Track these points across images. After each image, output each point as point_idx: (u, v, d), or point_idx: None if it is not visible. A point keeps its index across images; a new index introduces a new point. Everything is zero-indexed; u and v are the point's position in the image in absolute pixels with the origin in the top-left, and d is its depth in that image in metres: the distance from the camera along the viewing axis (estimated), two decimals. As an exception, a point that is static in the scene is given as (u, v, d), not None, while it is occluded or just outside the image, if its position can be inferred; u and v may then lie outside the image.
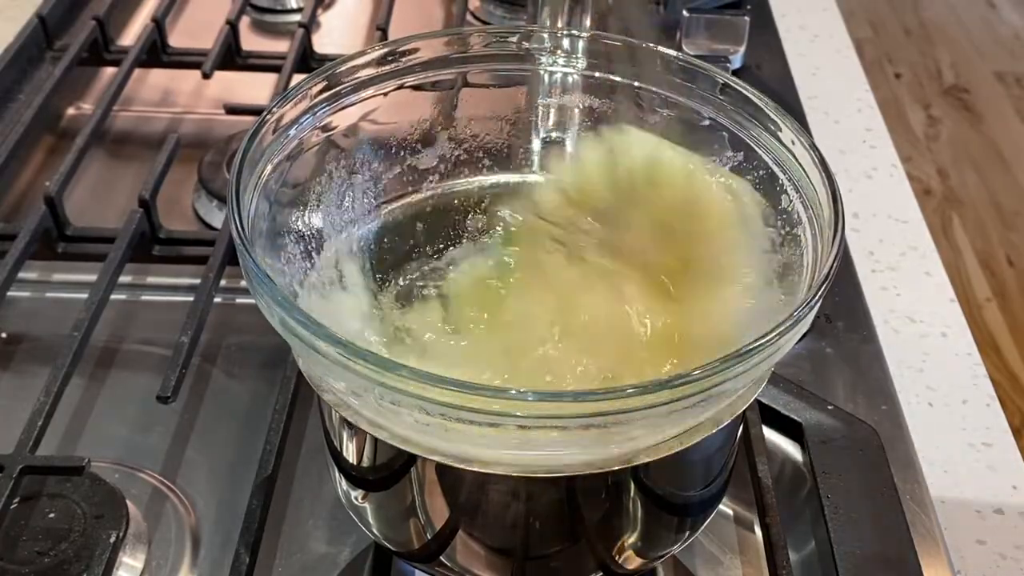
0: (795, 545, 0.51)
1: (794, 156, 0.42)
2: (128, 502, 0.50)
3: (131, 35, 0.85)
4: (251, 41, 0.85)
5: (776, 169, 0.43)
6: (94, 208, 0.69)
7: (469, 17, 0.89)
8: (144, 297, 0.64)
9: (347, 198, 0.46)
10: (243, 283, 0.40)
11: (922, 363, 0.62)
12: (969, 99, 2.41)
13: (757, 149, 0.44)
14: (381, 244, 0.47)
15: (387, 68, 0.45)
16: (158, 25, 0.79)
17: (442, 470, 0.39)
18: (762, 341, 0.34)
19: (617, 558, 0.42)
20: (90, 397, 0.58)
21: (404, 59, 0.45)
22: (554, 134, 0.49)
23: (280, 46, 0.80)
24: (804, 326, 0.36)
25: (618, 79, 0.46)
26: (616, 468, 0.37)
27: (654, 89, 0.46)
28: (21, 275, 0.60)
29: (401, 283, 0.47)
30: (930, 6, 2.73)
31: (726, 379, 0.34)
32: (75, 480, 0.50)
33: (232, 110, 0.77)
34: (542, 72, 0.48)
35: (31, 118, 0.70)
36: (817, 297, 0.36)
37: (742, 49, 0.82)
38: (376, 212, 0.47)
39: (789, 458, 0.55)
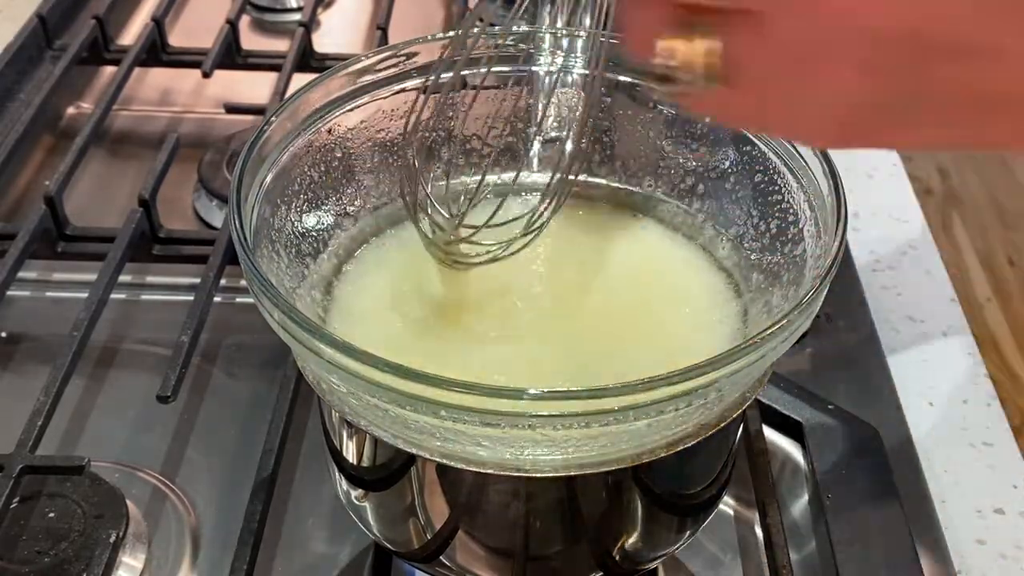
0: (795, 545, 0.51)
1: (794, 147, 0.42)
2: (128, 502, 0.50)
3: (131, 34, 0.85)
4: (251, 40, 0.85)
5: (777, 161, 0.43)
6: (94, 208, 0.69)
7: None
8: (144, 297, 0.64)
9: (347, 201, 0.46)
10: (243, 282, 0.40)
11: (922, 363, 0.62)
12: (969, 98, 2.40)
13: (757, 142, 0.44)
14: (382, 245, 0.47)
15: (387, 72, 0.45)
16: (158, 24, 0.79)
17: (442, 470, 0.39)
18: (763, 335, 0.34)
19: (617, 558, 0.42)
20: (90, 397, 0.58)
21: (403, 62, 0.45)
22: (554, 133, 0.49)
23: (280, 45, 0.80)
24: (805, 323, 0.36)
25: (618, 77, 0.46)
26: (616, 468, 0.37)
27: (654, 87, 0.46)
28: (21, 275, 0.60)
29: (400, 282, 0.47)
30: (930, 5, 2.73)
31: (725, 376, 0.34)
32: (75, 480, 0.50)
33: (232, 109, 0.77)
34: (542, 72, 0.48)
35: (31, 118, 0.70)
36: (824, 282, 0.36)
37: (742, 49, 0.82)
38: (377, 214, 0.47)
39: (789, 458, 0.55)
